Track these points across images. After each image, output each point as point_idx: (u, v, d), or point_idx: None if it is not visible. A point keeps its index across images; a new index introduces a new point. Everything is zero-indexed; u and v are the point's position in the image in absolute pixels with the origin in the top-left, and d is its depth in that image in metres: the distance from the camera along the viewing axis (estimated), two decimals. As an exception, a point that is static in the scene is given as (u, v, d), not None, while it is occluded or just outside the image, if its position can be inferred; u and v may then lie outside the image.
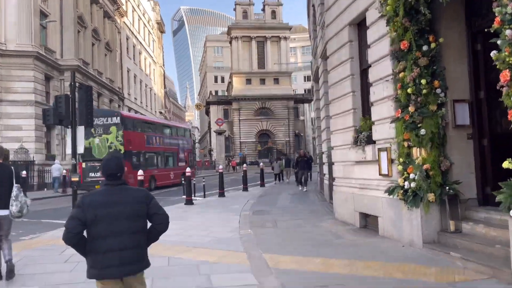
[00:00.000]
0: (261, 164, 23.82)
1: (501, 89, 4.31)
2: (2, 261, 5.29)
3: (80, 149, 10.20)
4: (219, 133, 57.02)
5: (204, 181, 16.70)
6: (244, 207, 11.97)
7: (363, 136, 7.82)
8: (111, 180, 2.86)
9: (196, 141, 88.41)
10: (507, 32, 4.17)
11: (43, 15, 27.59)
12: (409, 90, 6.10)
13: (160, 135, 24.46)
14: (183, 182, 14.96)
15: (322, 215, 10.03)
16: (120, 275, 2.75)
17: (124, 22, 43.66)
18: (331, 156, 10.13)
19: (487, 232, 5.36)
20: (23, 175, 15.54)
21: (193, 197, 13.75)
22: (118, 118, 20.02)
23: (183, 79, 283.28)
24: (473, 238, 5.48)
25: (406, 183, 6.14)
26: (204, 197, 15.50)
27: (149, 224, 2.93)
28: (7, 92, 24.58)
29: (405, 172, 6.23)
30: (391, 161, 6.81)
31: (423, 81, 5.99)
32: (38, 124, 24.03)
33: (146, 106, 51.22)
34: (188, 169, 14.25)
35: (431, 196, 5.87)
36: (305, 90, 73.67)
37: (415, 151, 6.19)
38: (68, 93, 10.78)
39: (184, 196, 13.86)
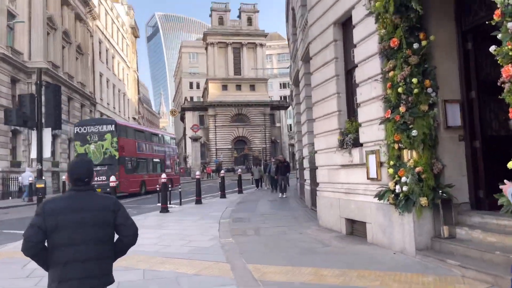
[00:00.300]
0: (239, 170, 23.76)
1: (502, 85, 4.06)
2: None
3: (47, 153, 9.45)
4: (194, 139, 56.20)
5: (180, 188, 16.30)
6: (223, 214, 11.51)
7: (349, 138, 7.53)
8: (78, 185, 2.58)
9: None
10: (509, 24, 3.94)
11: (11, 15, 26.36)
12: (399, 90, 5.83)
13: (149, 142, 26.17)
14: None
15: (305, 222, 9.67)
16: None
17: (96, 25, 42.40)
18: (314, 160, 9.81)
19: (484, 238, 5.09)
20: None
21: (168, 205, 13.17)
22: (113, 125, 21.78)
23: (157, 85, 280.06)
24: (469, 244, 5.21)
25: (397, 186, 5.85)
26: (180, 204, 14.91)
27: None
28: (-31, 95, 23.24)
29: (396, 176, 5.93)
30: (380, 164, 6.53)
31: (414, 80, 5.73)
32: (2, 128, 22.82)
33: (119, 111, 49.80)
34: (163, 175, 13.98)
35: (424, 200, 5.59)
36: (281, 97, 73.72)
37: (406, 153, 5.91)
38: (34, 93, 10.05)
39: (159, 204, 13.27)
